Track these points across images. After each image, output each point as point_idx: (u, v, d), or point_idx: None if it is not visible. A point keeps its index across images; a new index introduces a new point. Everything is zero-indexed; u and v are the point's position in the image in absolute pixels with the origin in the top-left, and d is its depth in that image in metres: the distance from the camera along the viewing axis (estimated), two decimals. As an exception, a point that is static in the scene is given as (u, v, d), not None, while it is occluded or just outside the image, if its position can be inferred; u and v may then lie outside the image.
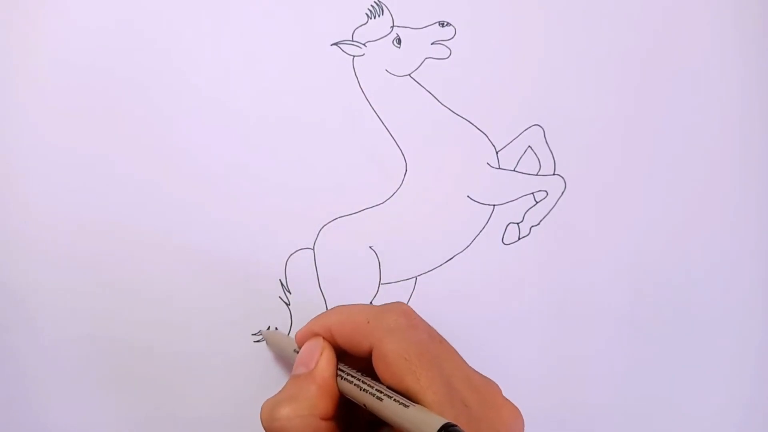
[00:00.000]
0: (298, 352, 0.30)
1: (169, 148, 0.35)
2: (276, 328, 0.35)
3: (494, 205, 0.36)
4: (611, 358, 0.36)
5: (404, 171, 0.35)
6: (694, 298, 0.36)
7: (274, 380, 0.35)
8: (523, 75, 0.36)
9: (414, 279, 0.35)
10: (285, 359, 0.34)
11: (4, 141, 0.34)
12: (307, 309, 0.35)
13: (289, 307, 0.35)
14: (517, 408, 0.27)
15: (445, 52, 0.35)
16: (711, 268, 0.36)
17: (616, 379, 0.36)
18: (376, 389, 0.26)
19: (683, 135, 0.36)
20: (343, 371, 0.28)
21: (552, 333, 0.35)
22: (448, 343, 0.29)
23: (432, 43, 0.35)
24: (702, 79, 0.36)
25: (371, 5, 0.35)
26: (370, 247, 0.35)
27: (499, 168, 0.36)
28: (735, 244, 0.36)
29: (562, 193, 0.36)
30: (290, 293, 0.35)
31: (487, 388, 0.27)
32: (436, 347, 0.28)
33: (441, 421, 0.22)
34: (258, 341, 0.35)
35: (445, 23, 0.35)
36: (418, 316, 0.29)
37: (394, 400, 0.25)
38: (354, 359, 0.28)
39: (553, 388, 0.36)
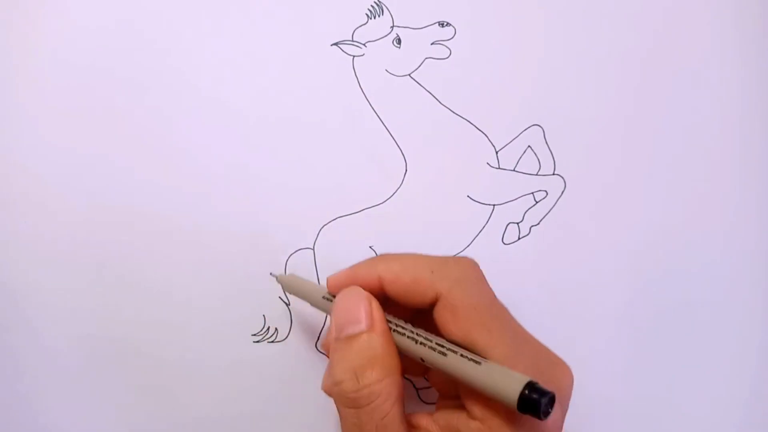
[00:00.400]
0: (328, 299, 0.28)
1: (169, 148, 0.35)
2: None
3: (494, 205, 0.36)
4: (611, 358, 0.36)
5: (404, 171, 0.35)
6: (694, 298, 0.36)
7: (274, 379, 0.35)
8: (523, 75, 0.36)
9: (414, 279, 0.35)
10: (306, 303, 0.32)
11: (4, 141, 0.34)
12: (307, 309, 0.35)
13: (289, 307, 0.35)
14: (568, 366, 0.26)
15: (445, 52, 0.35)
16: (711, 267, 0.36)
17: (616, 379, 0.36)
18: (436, 343, 0.25)
19: (683, 135, 0.36)
20: (392, 323, 0.26)
21: (552, 333, 0.35)
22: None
23: (432, 43, 0.35)
24: (702, 78, 0.36)
25: (371, 5, 0.35)
26: (370, 247, 0.35)
27: (499, 168, 0.36)
28: (735, 244, 0.36)
29: (562, 192, 0.36)
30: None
31: (540, 345, 0.27)
32: (501, 303, 0.27)
33: (524, 380, 0.21)
34: (277, 281, 0.33)
35: (445, 23, 0.35)
36: (482, 272, 0.28)
37: (461, 355, 0.24)
38: (398, 311, 0.27)
39: (553, 388, 0.36)
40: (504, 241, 0.36)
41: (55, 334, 0.35)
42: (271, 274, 0.34)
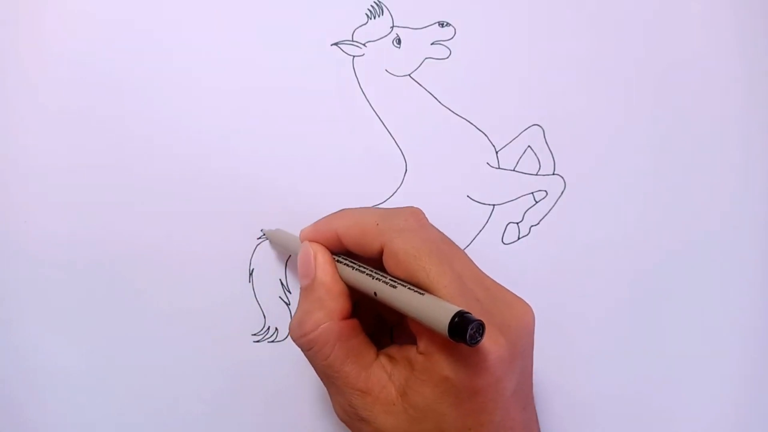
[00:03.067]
0: None
1: (169, 149, 0.35)
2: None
3: (494, 205, 0.36)
4: (611, 357, 0.36)
5: (404, 171, 0.35)
6: (695, 298, 0.36)
7: (274, 379, 0.35)
8: (523, 75, 0.36)
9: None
10: (290, 256, 0.35)
11: (4, 141, 0.34)
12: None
13: (289, 307, 0.35)
14: (527, 304, 0.28)
15: (445, 52, 0.35)
16: (712, 268, 0.36)
17: (616, 379, 0.36)
18: (389, 278, 0.27)
19: (683, 135, 0.36)
20: (353, 263, 0.29)
21: (551, 332, 0.35)
22: (458, 246, 0.30)
23: (432, 43, 0.35)
24: (703, 79, 0.36)
25: (371, 5, 0.35)
26: (370, 247, 0.35)
27: (499, 168, 0.36)
28: (736, 244, 0.36)
29: (562, 192, 0.36)
30: (290, 293, 0.35)
31: (497, 287, 0.28)
32: (447, 247, 0.29)
33: (454, 309, 0.23)
34: (261, 240, 0.35)
35: (445, 23, 0.35)
36: (427, 219, 0.30)
37: (409, 288, 0.25)
38: (362, 261, 0.29)
39: (552, 387, 0.36)
40: (504, 241, 0.36)
41: (55, 334, 0.35)
42: (261, 230, 0.35)
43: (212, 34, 0.34)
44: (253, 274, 0.35)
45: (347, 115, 0.35)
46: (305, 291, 0.29)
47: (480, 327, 0.23)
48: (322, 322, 0.28)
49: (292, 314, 0.35)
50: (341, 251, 0.30)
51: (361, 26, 0.35)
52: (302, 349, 0.29)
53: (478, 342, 0.23)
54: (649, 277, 0.36)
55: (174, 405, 0.35)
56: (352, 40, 0.35)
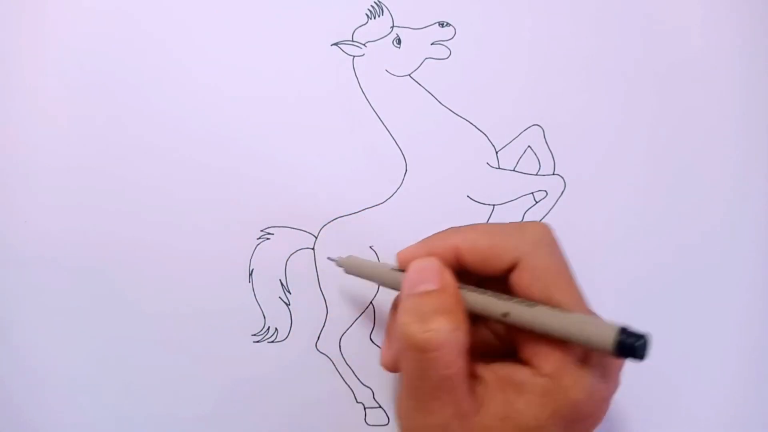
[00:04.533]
0: (398, 271, 0.28)
1: (168, 149, 0.35)
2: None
3: (494, 205, 0.36)
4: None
5: (404, 171, 0.35)
6: (695, 298, 0.36)
7: (274, 379, 0.35)
8: (523, 75, 0.36)
9: (414, 279, 0.35)
10: (371, 282, 0.32)
11: (5, 142, 0.35)
12: (307, 309, 0.35)
13: (289, 307, 0.35)
14: None
15: (445, 52, 0.35)
16: (712, 268, 0.36)
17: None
18: (519, 299, 0.25)
19: (683, 134, 0.36)
20: (467, 287, 0.27)
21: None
22: None
23: (432, 44, 0.35)
24: (702, 79, 0.36)
25: (371, 5, 0.35)
26: (370, 247, 0.35)
27: (499, 168, 0.36)
28: (736, 244, 0.36)
29: (562, 193, 0.36)
30: (290, 293, 0.35)
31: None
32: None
33: (616, 326, 0.22)
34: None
35: (445, 23, 0.35)
36: None
37: (548, 307, 0.24)
38: (469, 282, 0.27)
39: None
40: (504, 241, 0.36)
41: (54, 334, 0.35)
42: (329, 258, 0.33)
43: (212, 34, 0.34)
44: (253, 274, 0.35)
45: (347, 115, 0.35)
46: (426, 295, 0.26)
47: (647, 342, 0.22)
48: (456, 327, 0.25)
49: (292, 314, 0.35)
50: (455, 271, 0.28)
51: (361, 26, 0.35)
52: (417, 350, 0.25)
53: (644, 357, 0.22)
54: (649, 277, 0.36)
55: (174, 405, 0.35)
56: (352, 40, 0.35)
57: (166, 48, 0.34)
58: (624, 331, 0.22)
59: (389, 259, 0.35)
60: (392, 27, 0.35)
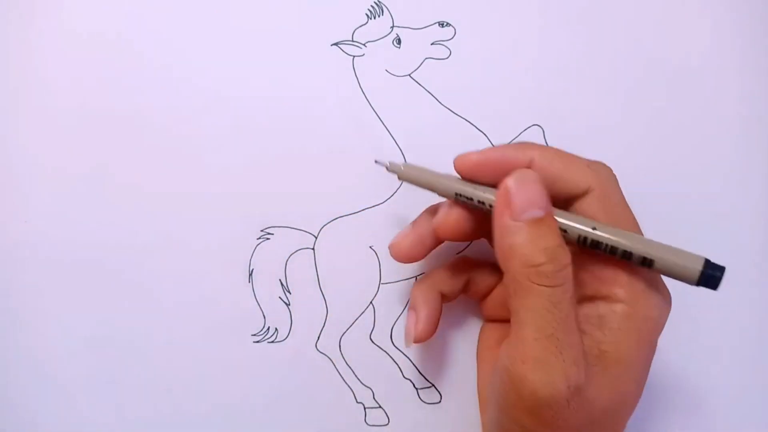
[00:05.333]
0: (463, 179, 0.28)
1: (169, 149, 0.35)
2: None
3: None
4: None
5: (404, 171, 0.35)
6: (695, 297, 0.36)
7: (274, 379, 0.35)
8: (523, 75, 0.36)
9: (414, 279, 0.35)
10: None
11: (5, 142, 0.35)
12: (307, 309, 0.35)
13: (289, 307, 0.35)
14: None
15: (445, 52, 0.35)
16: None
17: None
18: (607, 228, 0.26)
19: (683, 134, 0.36)
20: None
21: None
22: None
23: (432, 44, 0.35)
24: (703, 78, 0.36)
25: (371, 5, 0.35)
26: (370, 247, 0.35)
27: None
28: (736, 244, 0.36)
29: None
30: (290, 293, 0.35)
31: None
32: None
33: (702, 257, 0.24)
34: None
35: (445, 23, 0.35)
36: None
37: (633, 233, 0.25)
38: None
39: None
40: (504, 241, 0.36)
41: (54, 334, 0.35)
42: (376, 161, 0.31)
43: (212, 34, 0.34)
44: (253, 274, 0.35)
45: (347, 115, 0.35)
46: (536, 223, 0.24)
47: (723, 273, 0.24)
48: (566, 263, 0.24)
49: (292, 314, 0.35)
50: None
51: (361, 26, 0.35)
52: (551, 282, 0.24)
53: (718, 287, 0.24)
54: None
55: (173, 405, 0.35)
56: (352, 40, 0.35)
57: (167, 48, 0.34)
58: (708, 263, 0.24)
59: (389, 260, 0.35)
60: (392, 27, 0.35)
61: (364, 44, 0.35)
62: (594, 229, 0.25)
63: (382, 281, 0.35)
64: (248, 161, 0.35)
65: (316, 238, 0.35)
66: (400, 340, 0.35)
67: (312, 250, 0.35)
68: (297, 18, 0.35)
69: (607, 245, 0.25)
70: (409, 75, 0.35)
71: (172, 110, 0.35)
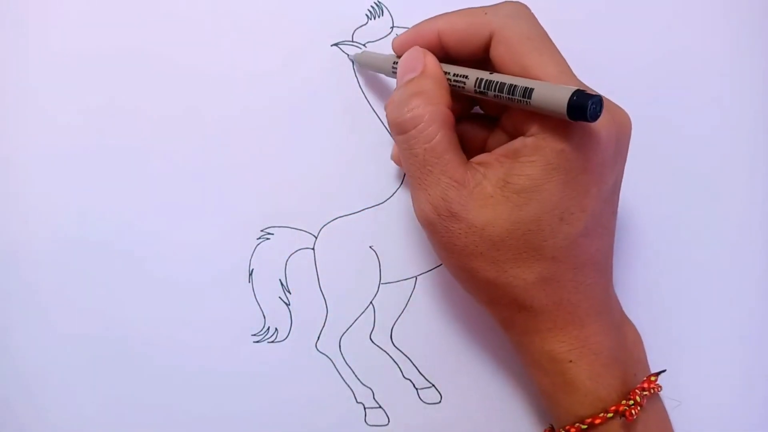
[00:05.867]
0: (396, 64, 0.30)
1: (168, 149, 0.35)
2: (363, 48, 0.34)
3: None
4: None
5: (404, 171, 0.35)
6: (696, 298, 0.36)
7: (274, 379, 0.35)
8: (523, 75, 0.36)
9: (414, 279, 0.35)
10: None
11: (5, 142, 0.35)
12: (307, 309, 0.35)
13: (289, 307, 0.35)
14: (626, 112, 0.29)
15: (445, 53, 0.35)
16: (713, 268, 0.36)
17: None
18: (494, 75, 0.26)
19: (684, 134, 0.36)
20: (449, 72, 0.28)
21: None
22: None
23: (432, 44, 0.35)
24: (703, 79, 0.36)
25: (371, 6, 0.35)
26: (370, 247, 0.35)
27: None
28: (737, 245, 0.36)
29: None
30: (290, 293, 0.35)
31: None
32: (551, 40, 0.28)
33: (571, 88, 0.23)
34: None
35: (445, 24, 0.35)
36: None
37: (520, 78, 0.25)
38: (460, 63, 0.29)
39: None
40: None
41: (54, 334, 0.35)
42: (345, 52, 0.34)
43: (212, 34, 0.35)
44: (253, 274, 0.35)
45: (347, 115, 0.35)
46: (408, 83, 0.28)
47: (599, 103, 0.23)
48: (433, 103, 0.27)
49: (292, 314, 0.35)
50: (440, 58, 0.29)
51: (361, 27, 0.35)
52: (400, 131, 0.28)
53: (598, 116, 0.23)
54: (649, 277, 0.36)
55: (173, 405, 0.35)
56: (352, 41, 0.35)
57: (167, 47, 0.34)
58: (578, 93, 0.23)
59: (389, 260, 0.35)
60: (392, 27, 0.35)
61: (364, 44, 0.35)
62: (465, 76, 0.27)
63: (382, 281, 0.35)
64: (248, 161, 0.35)
65: (316, 238, 0.35)
66: (400, 340, 0.35)
67: (312, 250, 0.35)
68: (297, 18, 0.35)
69: (492, 85, 0.26)
70: (409, 75, 0.35)
71: (171, 110, 0.35)
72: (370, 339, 0.35)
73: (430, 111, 0.27)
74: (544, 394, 0.30)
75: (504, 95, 0.26)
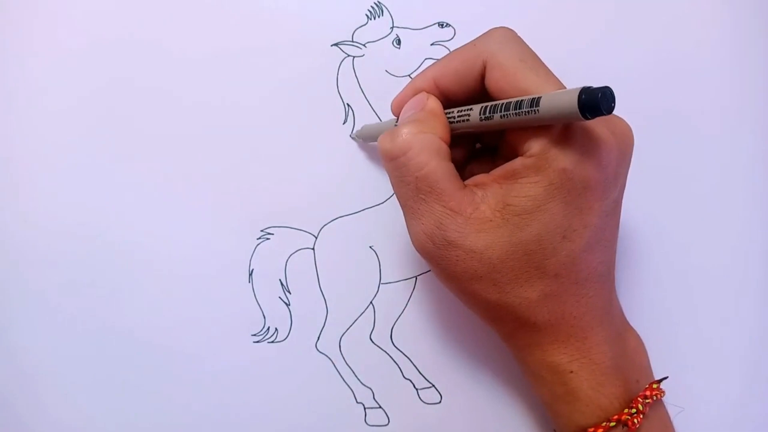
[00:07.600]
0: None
1: (168, 149, 0.35)
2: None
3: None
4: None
5: (404, 171, 0.35)
6: (696, 298, 0.36)
7: (274, 379, 0.35)
8: (523, 75, 0.36)
9: (414, 279, 0.35)
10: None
11: (6, 143, 0.35)
12: (307, 309, 0.35)
13: (289, 307, 0.35)
14: (627, 123, 0.28)
15: (445, 53, 0.35)
16: (713, 268, 0.36)
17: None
18: (490, 104, 0.26)
19: (685, 134, 0.36)
20: (453, 110, 0.28)
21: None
22: None
23: (431, 44, 0.35)
24: (703, 79, 0.36)
25: (371, 6, 0.35)
26: (370, 247, 0.35)
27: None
28: (737, 245, 0.36)
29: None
30: (290, 293, 0.35)
31: None
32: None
33: (577, 88, 0.22)
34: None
35: (445, 24, 0.35)
36: None
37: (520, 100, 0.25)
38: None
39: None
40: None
41: (54, 334, 0.35)
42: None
43: (212, 34, 0.35)
44: (253, 274, 0.35)
45: (347, 115, 0.35)
46: (409, 119, 0.28)
47: (610, 94, 0.22)
48: (424, 131, 0.27)
49: (292, 315, 0.35)
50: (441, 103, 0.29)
51: (361, 27, 0.35)
52: (389, 158, 0.27)
53: (613, 108, 0.22)
54: (649, 277, 0.36)
55: (173, 405, 0.35)
56: (352, 41, 0.35)
57: (166, 48, 0.34)
58: (584, 90, 0.22)
59: (389, 260, 0.35)
60: (392, 27, 0.35)
61: (364, 44, 0.35)
62: (482, 116, 0.26)
63: (382, 281, 0.35)
64: (248, 161, 0.35)
65: (316, 238, 0.35)
66: (400, 340, 0.35)
67: (312, 250, 0.35)
68: (297, 18, 0.35)
69: (497, 107, 0.26)
70: (409, 75, 0.35)
71: (171, 110, 0.35)
72: (370, 339, 0.35)
73: (420, 139, 0.27)
74: (545, 404, 0.30)
75: (511, 112, 0.25)
